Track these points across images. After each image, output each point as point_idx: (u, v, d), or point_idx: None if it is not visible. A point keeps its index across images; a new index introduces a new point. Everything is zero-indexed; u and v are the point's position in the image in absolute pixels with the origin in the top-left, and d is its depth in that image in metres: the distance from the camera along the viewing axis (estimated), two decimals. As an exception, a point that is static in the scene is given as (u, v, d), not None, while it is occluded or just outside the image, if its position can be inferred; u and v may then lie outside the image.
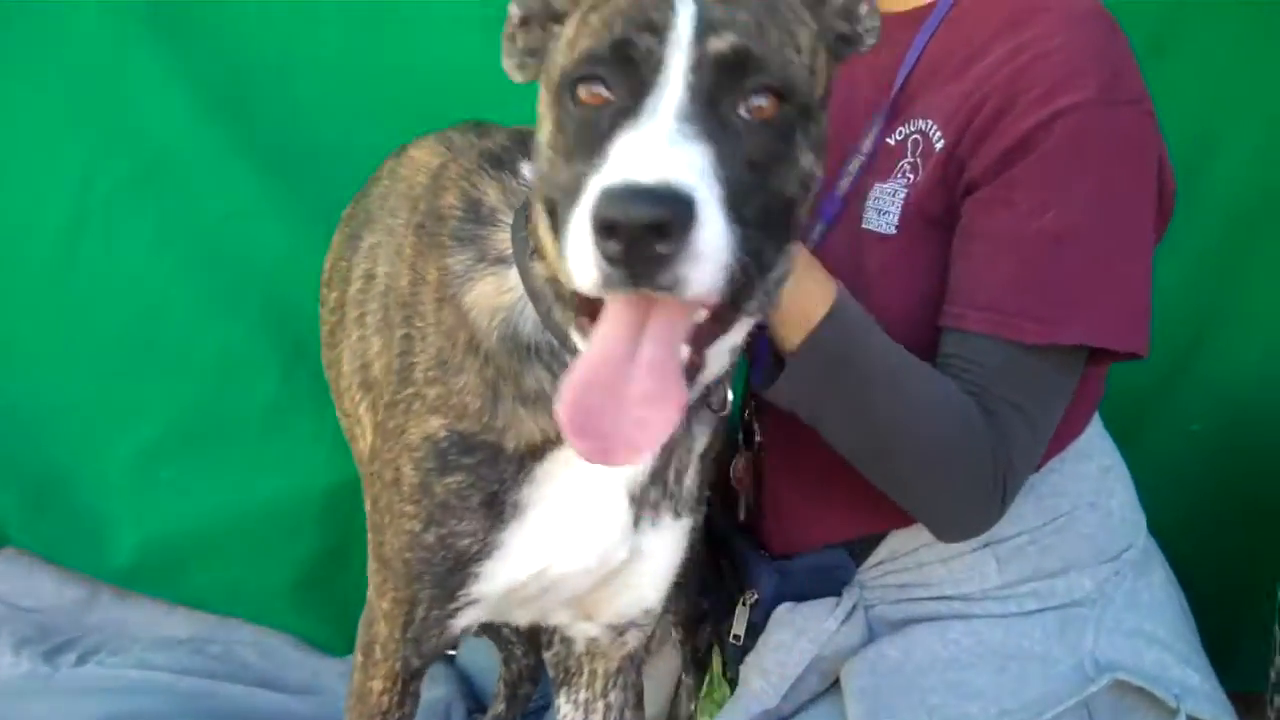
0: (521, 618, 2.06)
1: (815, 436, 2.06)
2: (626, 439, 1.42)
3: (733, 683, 2.35)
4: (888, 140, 2.08)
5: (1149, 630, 2.17)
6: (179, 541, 3.00)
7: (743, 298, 1.50)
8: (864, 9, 1.71)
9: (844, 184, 2.10)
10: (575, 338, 1.64)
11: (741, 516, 2.32)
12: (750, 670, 2.24)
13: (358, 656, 2.05)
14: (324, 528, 2.99)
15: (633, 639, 2.07)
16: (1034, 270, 1.88)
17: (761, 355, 2.00)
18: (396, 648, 1.95)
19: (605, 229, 1.30)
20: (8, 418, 3.00)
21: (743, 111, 1.46)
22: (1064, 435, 2.09)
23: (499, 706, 2.88)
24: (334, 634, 3.02)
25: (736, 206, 1.39)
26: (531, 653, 2.82)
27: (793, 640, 2.17)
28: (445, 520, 1.79)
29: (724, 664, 2.54)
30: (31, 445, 3.02)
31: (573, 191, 1.42)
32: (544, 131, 1.58)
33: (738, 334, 1.66)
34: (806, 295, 1.85)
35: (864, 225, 2.07)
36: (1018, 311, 1.88)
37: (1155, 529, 2.31)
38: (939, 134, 2.00)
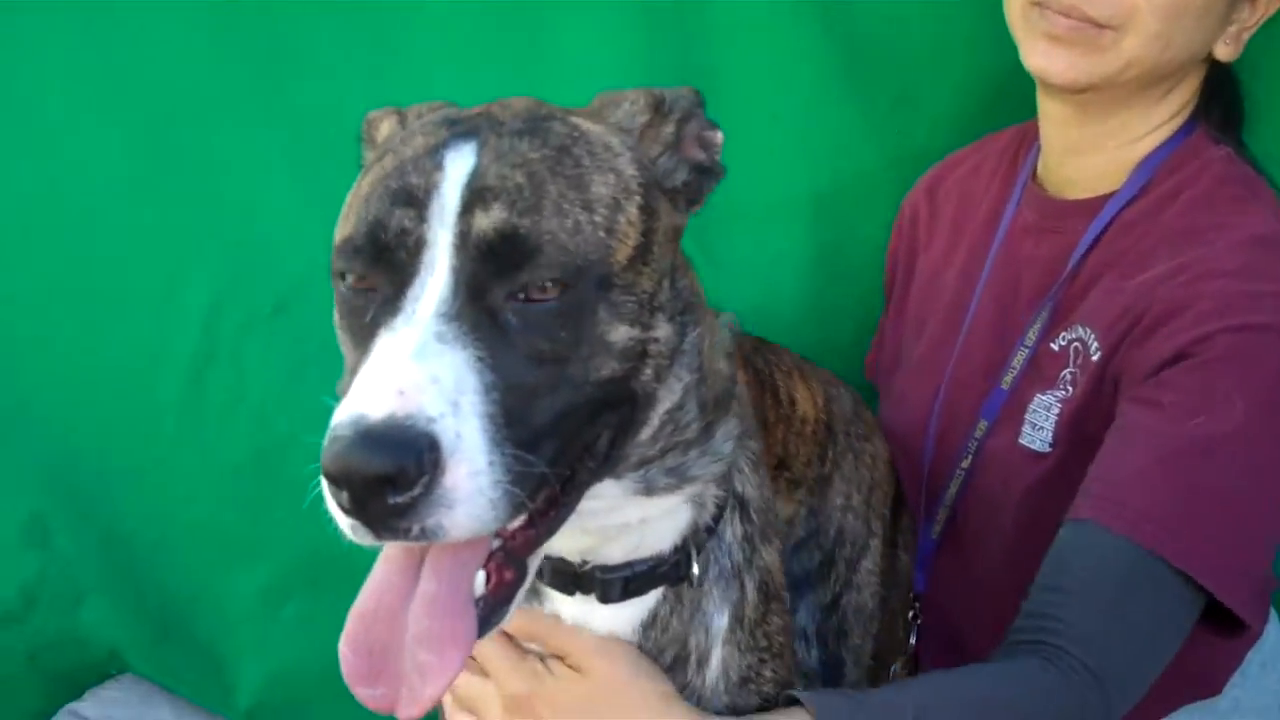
0: None
1: (969, 652, 1.95)
2: (409, 688, 1.28)
3: None
4: (1051, 345, 1.96)
5: None
6: (302, 680, 2.93)
7: (568, 494, 1.35)
8: (719, 137, 1.55)
9: (1008, 378, 1.99)
10: None
11: None
12: None
13: None
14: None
15: None
16: (1164, 469, 1.70)
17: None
18: None
19: (332, 480, 1.16)
20: (137, 544, 2.96)
21: (521, 297, 1.28)
22: (1242, 645, 1.93)
23: None
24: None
25: (517, 414, 1.24)
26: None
27: None
28: None
29: None
30: (155, 573, 2.98)
31: (349, 381, 1.27)
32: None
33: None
34: None
35: (1020, 441, 1.95)
36: (1137, 507, 1.68)
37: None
38: (1096, 344, 1.87)
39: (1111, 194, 1.98)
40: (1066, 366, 1.92)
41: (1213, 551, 1.67)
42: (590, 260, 1.31)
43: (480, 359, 1.23)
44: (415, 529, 1.17)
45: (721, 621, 1.65)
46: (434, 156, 1.32)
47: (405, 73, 2.74)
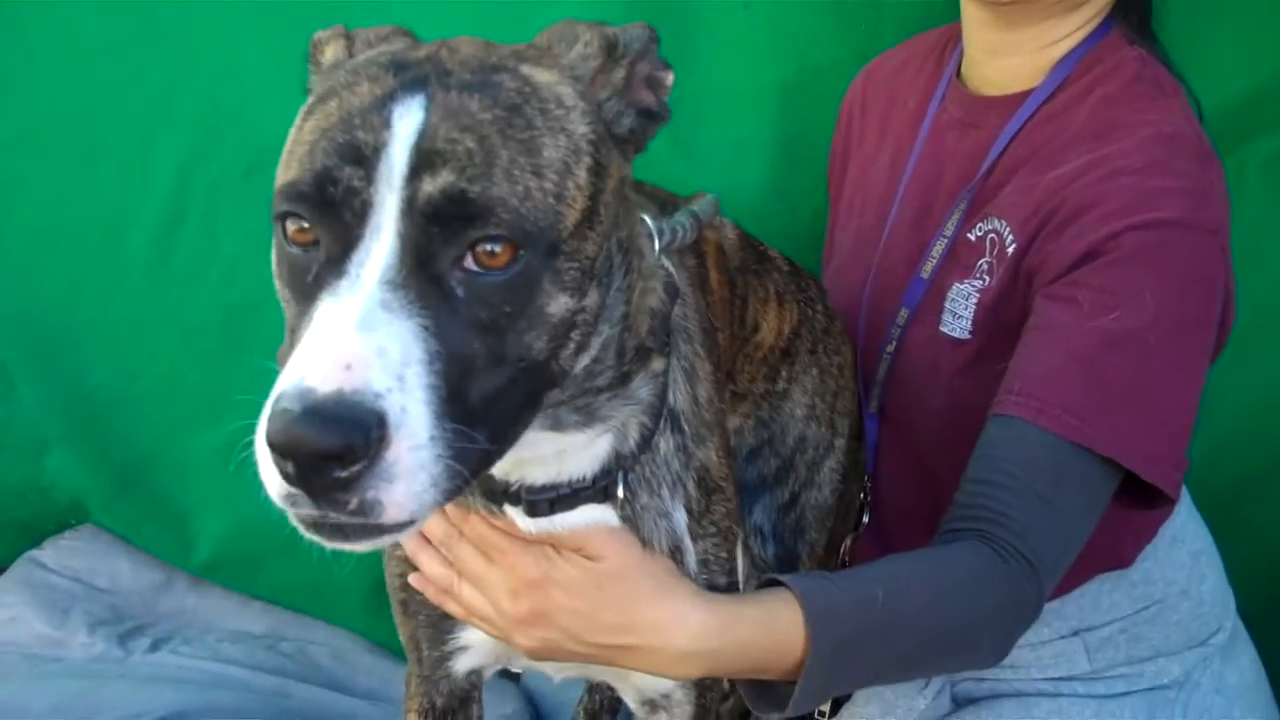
0: (554, 673, 1.94)
1: (921, 525, 2.02)
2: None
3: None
4: (968, 235, 2.01)
5: (1236, 715, 2.14)
6: (258, 535, 2.96)
7: (492, 455, 1.32)
8: (670, 78, 1.47)
9: (928, 267, 2.04)
10: None
11: None
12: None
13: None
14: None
15: (667, 717, 1.89)
16: (1082, 365, 1.76)
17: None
18: (419, 684, 1.92)
19: (278, 451, 1.15)
20: (101, 397, 3.00)
21: (469, 263, 1.24)
22: (1155, 520, 2.03)
23: (579, 738, 2.85)
24: (407, 640, 2.99)
25: (460, 384, 1.22)
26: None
27: (880, 716, 2.13)
28: None
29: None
30: (119, 426, 3.02)
31: (291, 343, 1.25)
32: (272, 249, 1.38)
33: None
34: (766, 634, 1.61)
35: (941, 329, 2.02)
36: (1059, 403, 1.74)
37: (1246, 612, 2.27)
38: (1011, 236, 1.93)
39: (1030, 91, 2.03)
40: (983, 256, 1.98)
41: (1135, 436, 1.75)
42: (539, 227, 1.27)
43: (425, 328, 1.20)
44: (355, 502, 1.15)
45: (681, 517, 1.69)
46: (382, 110, 1.26)
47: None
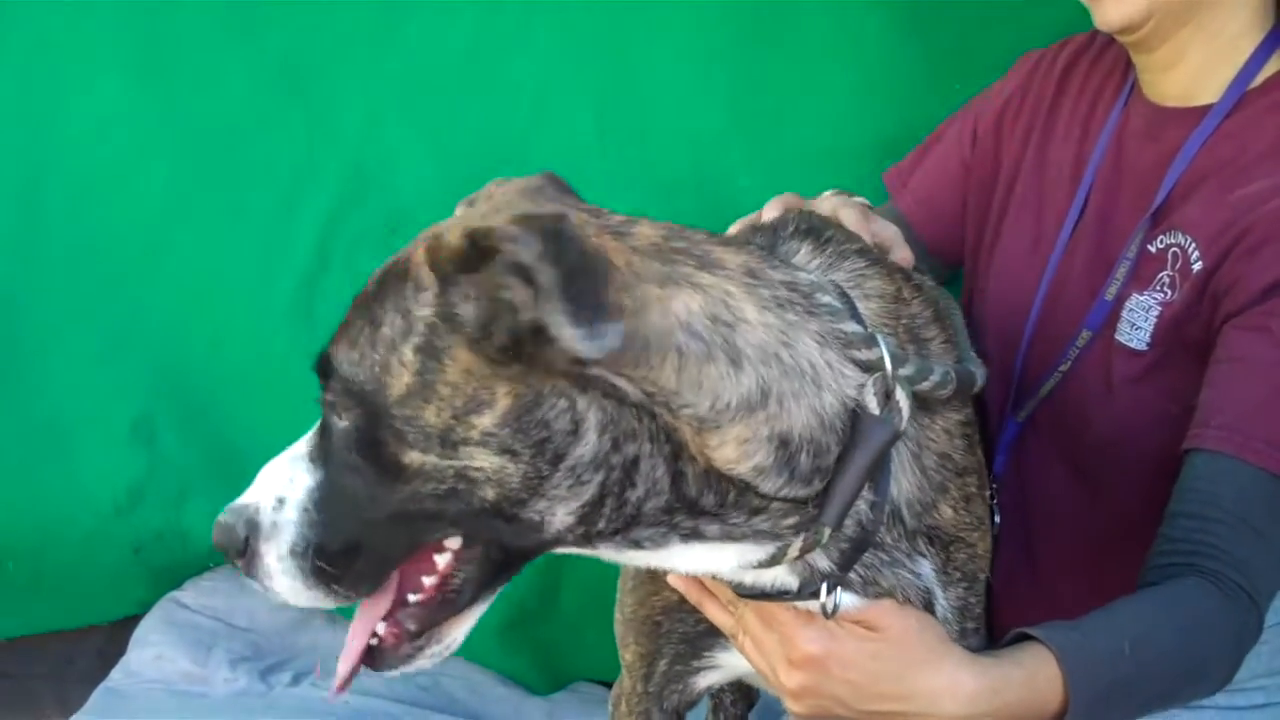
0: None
1: (1047, 528, 2.05)
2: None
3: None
4: (1149, 247, 1.99)
5: None
6: (391, 575, 2.99)
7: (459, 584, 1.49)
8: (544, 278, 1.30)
9: (1113, 289, 2.02)
10: None
11: None
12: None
13: (609, 707, 2.04)
14: (535, 568, 2.96)
15: None
16: None
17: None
18: (638, 702, 1.93)
19: None
20: (241, 447, 3.03)
21: (335, 418, 1.42)
22: None
23: (704, 756, 2.85)
24: (539, 674, 3.04)
25: (334, 518, 1.42)
26: (741, 702, 2.78)
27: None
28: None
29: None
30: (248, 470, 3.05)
31: None
32: None
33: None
34: (1030, 694, 1.61)
35: (1117, 337, 2.00)
36: (1263, 437, 1.74)
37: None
38: (1197, 254, 1.91)
39: (1212, 105, 1.99)
40: (1164, 269, 1.96)
41: None
42: (364, 390, 1.37)
43: (314, 461, 1.45)
44: (261, 585, 1.45)
45: (927, 570, 1.68)
46: None
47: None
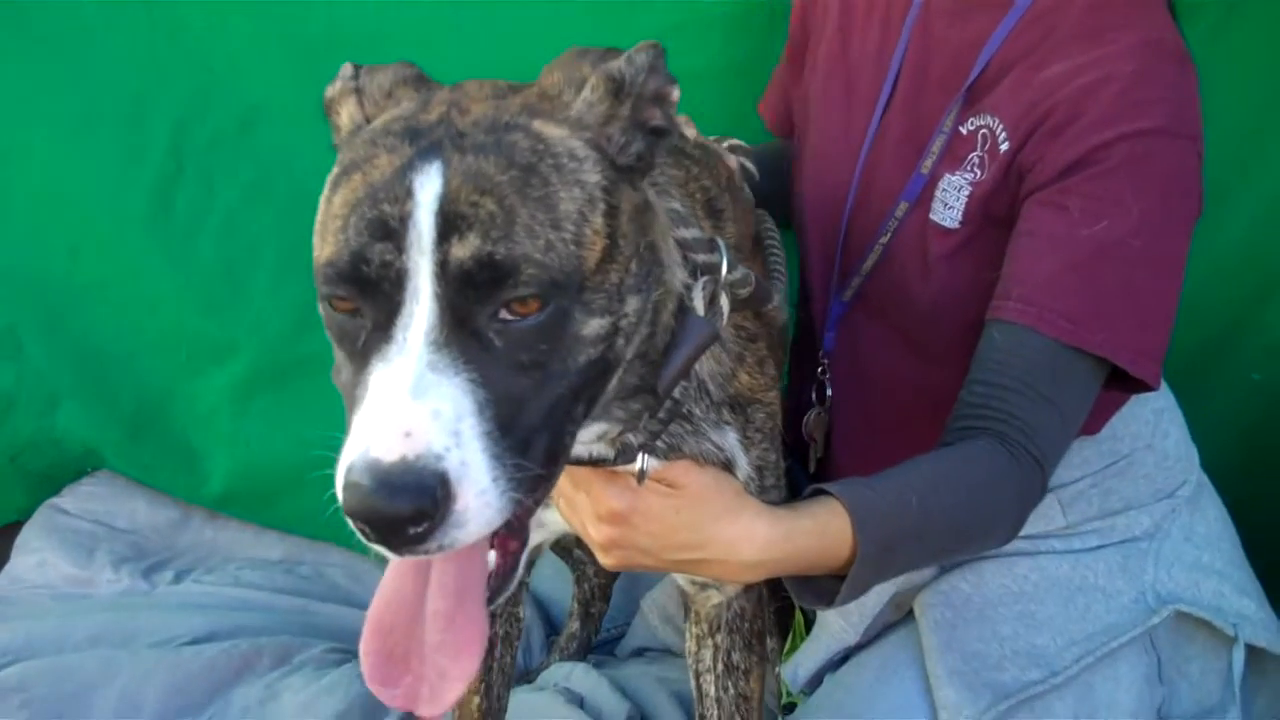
0: None
1: (884, 396, 2.10)
2: (430, 688, 1.37)
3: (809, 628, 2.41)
4: (960, 129, 2.04)
5: (1206, 562, 2.21)
6: (269, 471, 3.01)
7: (555, 462, 1.39)
8: (675, 93, 1.49)
9: (928, 163, 2.06)
10: None
11: (811, 469, 2.32)
12: (828, 613, 2.28)
13: None
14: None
15: (717, 594, 1.96)
16: (1076, 272, 1.84)
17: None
18: None
19: (355, 520, 1.22)
20: (107, 351, 3.02)
21: (503, 314, 1.29)
22: (1126, 396, 2.11)
23: (573, 625, 2.90)
24: (416, 556, 3.03)
25: (511, 422, 1.28)
26: (603, 571, 2.82)
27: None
28: None
29: (803, 612, 2.59)
30: (129, 377, 3.04)
31: (350, 399, 1.32)
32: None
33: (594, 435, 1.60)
34: (819, 542, 1.72)
35: (931, 217, 2.05)
36: (1054, 308, 1.83)
37: (1214, 471, 2.34)
38: (1005, 135, 1.96)
39: None
40: (974, 150, 2.01)
41: (1124, 336, 1.84)
42: (564, 273, 1.32)
43: (472, 380, 1.26)
44: (434, 547, 1.23)
45: (732, 439, 1.78)
46: (403, 180, 1.30)
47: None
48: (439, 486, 1.20)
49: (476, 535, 1.26)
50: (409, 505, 1.19)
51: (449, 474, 1.21)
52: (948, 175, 2.04)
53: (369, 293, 1.30)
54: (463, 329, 1.28)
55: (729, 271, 1.62)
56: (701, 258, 1.60)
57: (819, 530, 1.71)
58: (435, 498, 1.20)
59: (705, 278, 1.60)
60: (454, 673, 1.37)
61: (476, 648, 1.38)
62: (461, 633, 1.38)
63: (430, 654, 1.37)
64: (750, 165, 2.22)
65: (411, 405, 1.23)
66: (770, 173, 2.37)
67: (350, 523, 1.24)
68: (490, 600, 1.42)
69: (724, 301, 1.62)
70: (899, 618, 2.29)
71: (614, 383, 1.48)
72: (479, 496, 1.23)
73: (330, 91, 1.55)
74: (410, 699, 1.37)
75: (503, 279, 1.28)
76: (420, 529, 1.21)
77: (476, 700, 2.08)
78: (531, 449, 1.31)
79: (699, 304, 1.59)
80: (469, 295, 1.28)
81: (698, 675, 2.04)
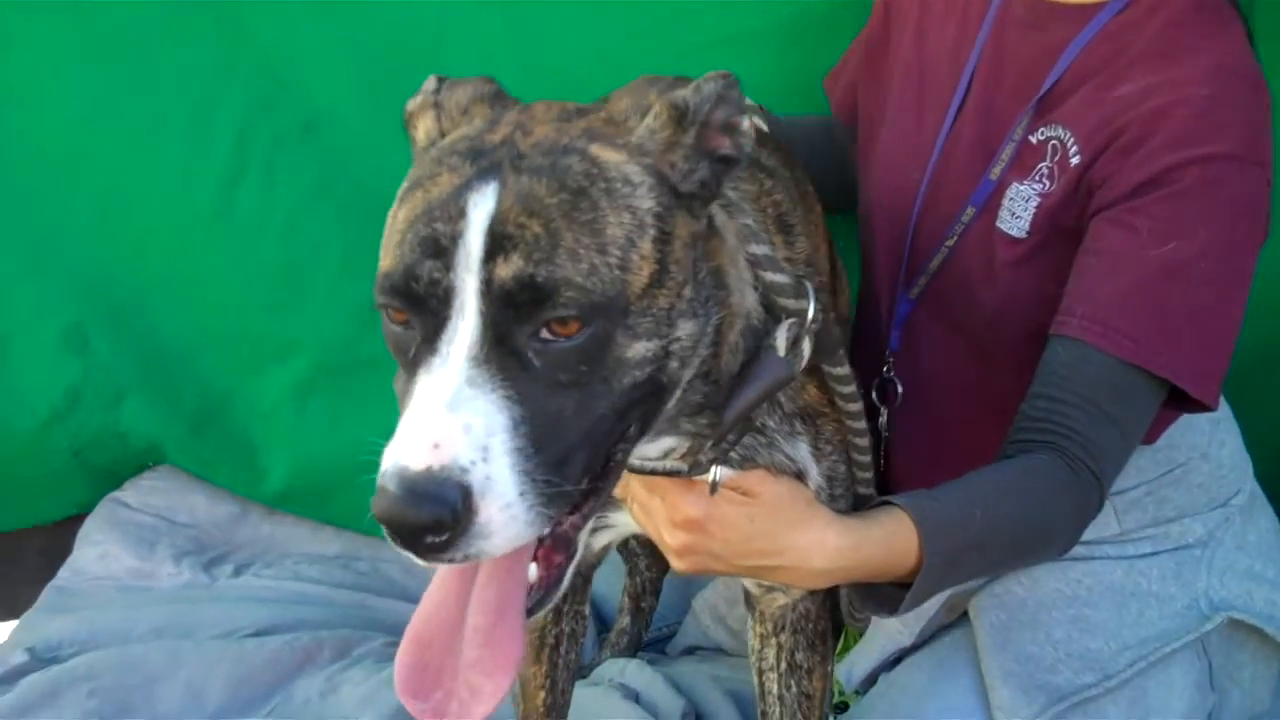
0: None
1: (945, 398, 2.13)
2: (460, 704, 1.40)
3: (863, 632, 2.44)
4: (1030, 138, 2.05)
5: (1258, 570, 2.23)
6: (327, 468, 3.04)
7: (606, 477, 1.44)
8: (746, 124, 1.50)
9: (996, 169, 2.07)
10: None
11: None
12: (885, 614, 2.31)
13: None
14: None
15: (783, 596, 1.99)
16: (1141, 292, 1.86)
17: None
18: None
19: (382, 523, 1.26)
20: (171, 348, 3.06)
21: (544, 334, 1.32)
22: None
23: (624, 620, 2.91)
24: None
25: (546, 440, 1.30)
26: (655, 565, 2.84)
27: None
28: None
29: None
30: (192, 374, 3.08)
31: (401, 406, 1.35)
32: None
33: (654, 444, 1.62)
34: (887, 552, 1.77)
35: (998, 225, 2.06)
36: (1119, 327, 1.85)
37: (1267, 481, 2.35)
38: (1076, 148, 1.98)
39: (1099, 4, 2.02)
40: (1044, 161, 2.02)
41: (1186, 357, 1.86)
42: (607, 297, 1.33)
43: (508, 397, 1.29)
44: (459, 557, 1.26)
45: (803, 447, 1.82)
46: (458, 199, 1.34)
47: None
48: (460, 499, 1.24)
49: (504, 548, 1.29)
50: (429, 514, 1.22)
51: (473, 487, 1.25)
52: (1016, 184, 2.05)
53: (419, 307, 1.34)
54: (503, 346, 1.31)
55: (812, 320, 1.64)
56: (791, 303, 1.62)
57: (887, 541, 1.75)
58: (455, 509, 1.23)
59: (791, 320, 1.63)
60: (486, 690, 1.40)
61: (511, 666, 1.41)
62: (498, 649, 1.41)
63: (464, 670, 1.41)
64: (761, 123, 2.13)
65: (445, 418, 1.26)
66: (818, 152, 2.41)
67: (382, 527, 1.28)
68: (529, 613, 1.45)
69: (806, 346, 1.65)
70: (952, 619, 2.31)
71: (673, 402, 1.51)
72: (504, 510, 1.27)
73: (411, 105, 1.59)
74: (439, 713, 1.40)
75: (543, 300, 1.31)
76: (441, 538, 1.24)
77: (542, 695, 2.12)
78: (568, 466, 1.34)
79: (781, 344, 1.63)
80: (511, 314, 1.31)
81: (760, 673, 2.07)
